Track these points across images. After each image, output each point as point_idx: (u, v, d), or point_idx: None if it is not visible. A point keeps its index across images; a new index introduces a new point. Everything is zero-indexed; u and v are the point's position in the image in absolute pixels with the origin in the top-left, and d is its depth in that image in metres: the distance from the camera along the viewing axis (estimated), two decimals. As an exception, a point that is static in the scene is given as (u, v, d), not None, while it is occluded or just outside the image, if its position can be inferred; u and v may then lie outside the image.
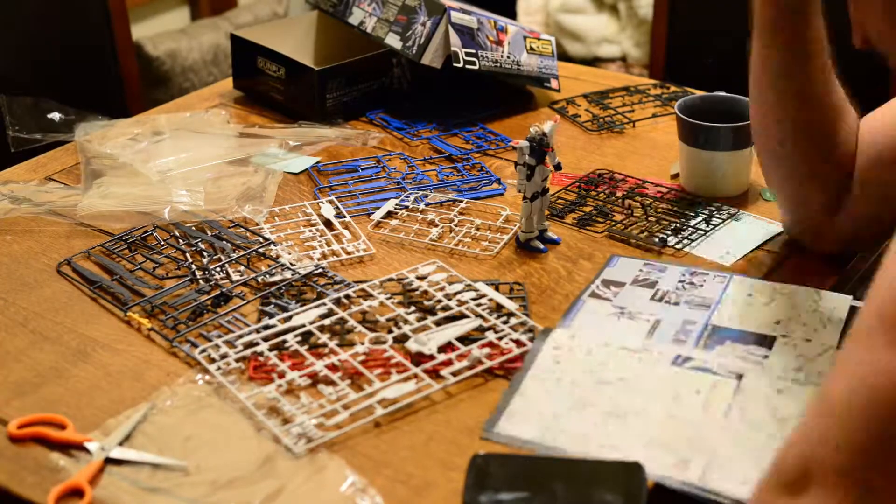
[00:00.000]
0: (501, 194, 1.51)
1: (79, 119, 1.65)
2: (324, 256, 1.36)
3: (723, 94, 1.53)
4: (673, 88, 1.84)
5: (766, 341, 1.18)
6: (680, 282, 1.29)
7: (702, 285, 1.28)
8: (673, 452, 1.04)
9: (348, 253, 1.36)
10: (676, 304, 1.25)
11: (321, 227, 1.43)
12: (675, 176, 1.54)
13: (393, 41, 1.69)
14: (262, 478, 1.01)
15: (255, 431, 1.07)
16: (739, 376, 1.12)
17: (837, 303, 1.24)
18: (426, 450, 1.06)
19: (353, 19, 1.76)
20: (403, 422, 1.09)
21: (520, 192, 1.35)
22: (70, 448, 1.06)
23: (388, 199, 1.48)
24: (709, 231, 1.40)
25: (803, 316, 1.22)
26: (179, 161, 1.54)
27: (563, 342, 1.18)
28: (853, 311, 1.22)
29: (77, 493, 1.00)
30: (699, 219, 1.42)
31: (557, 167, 1.34)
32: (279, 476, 1.02)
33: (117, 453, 1.04)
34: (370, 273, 1.33)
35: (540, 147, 1.32)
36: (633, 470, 1.00)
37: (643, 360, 1.16)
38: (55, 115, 1.65)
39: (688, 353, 1.17)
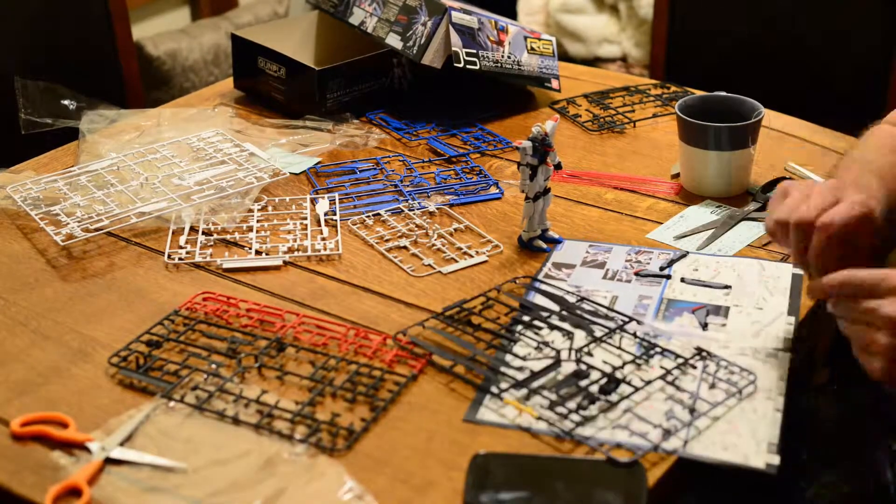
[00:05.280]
0: (499, 198, 1.51)
1: (90, 107, 1.66)
2: (290, 250, 1.38)
3: (723, 94, 1.53)
4: (673, 88, 1.84)
5: (720, 311, 1.23)
6: (627, 261, 1.33)
7: (648, 263, 1.33)
8: (653, 427, 1.06)
9: (315, 250, 1.38)
10: (628, 281, 1.29)
11: (306, 221, 1.44)
12: (676, 176, 1.54)
13: (393, 41, 1.69)
14: (262, 480, 1.01)
15: (255, 434, 1.07)
16: (702, 355, 1.15)
17: (780, 271, 1.30)
18: (427, 449, 1.06)
19: (354, 19, 1.76)
20: (404, 421, 1.09)
21: (522, 192, 1.35)
22: (71, 447, 1.06)
23: (384, 200, 1.49)
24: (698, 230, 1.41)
25: (750, 286, 1.28)
26: (171, 164, 1.54)
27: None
28: (796, 278, 1.28)
29: (75, 492, 1.00)
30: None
31: (558, 167, 1.35)
32: (279, 479, 1.01)
33: (118, 453, 1.04)
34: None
35: (542, 147, 1.32)
36: (633, 470, 1.00)
37: (607, 348, 1.18)
38: (68, 102, 1.66)
39: (648, 327, 1.20)
